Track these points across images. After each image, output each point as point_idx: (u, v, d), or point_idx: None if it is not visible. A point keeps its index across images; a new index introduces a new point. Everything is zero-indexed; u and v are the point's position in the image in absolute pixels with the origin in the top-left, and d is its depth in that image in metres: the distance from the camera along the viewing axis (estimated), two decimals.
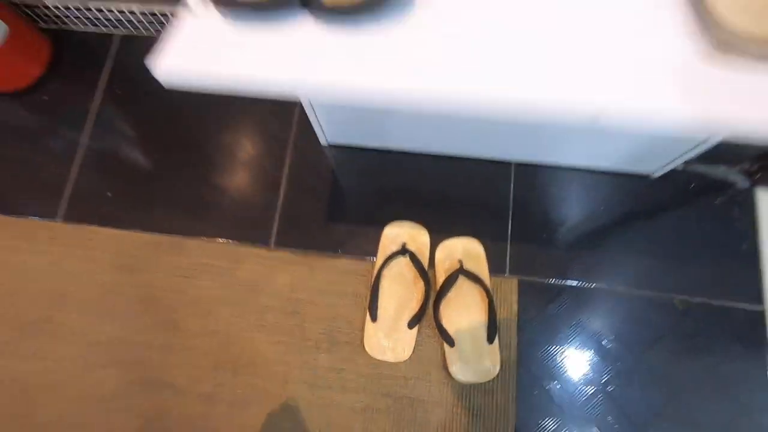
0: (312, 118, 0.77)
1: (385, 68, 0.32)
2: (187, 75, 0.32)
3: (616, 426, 0.73)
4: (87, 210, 0.87)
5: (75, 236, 0.86)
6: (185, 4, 0.34)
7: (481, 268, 0.79)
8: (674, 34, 0.31)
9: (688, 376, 0.74)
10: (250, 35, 0.33)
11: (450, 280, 0.77)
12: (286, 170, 0.88)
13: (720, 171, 0.84)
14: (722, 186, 0.84)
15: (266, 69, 0.32)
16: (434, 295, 0.78)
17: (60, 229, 0.87)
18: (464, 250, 0.80)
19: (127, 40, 0.98)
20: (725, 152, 0.80)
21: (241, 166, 0.89)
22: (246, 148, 0.90)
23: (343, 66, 0.32)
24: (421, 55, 0.32)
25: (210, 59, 0.33)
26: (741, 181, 0.83)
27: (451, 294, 0.77)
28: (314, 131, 0.85)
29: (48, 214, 0.87)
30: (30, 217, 0.87)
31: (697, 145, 0.69)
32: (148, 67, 0.33)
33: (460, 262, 0.79)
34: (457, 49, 0.32)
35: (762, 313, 0.78)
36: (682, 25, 0.32)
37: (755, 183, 0.83)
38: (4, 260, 0.85)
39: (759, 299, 0.79)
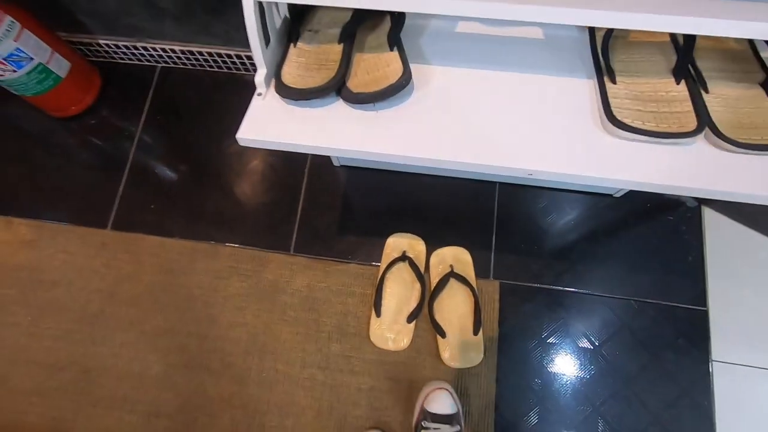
0: None
1: (392, 136, 0.47)
2: (257, 141, 0.47)
3: (579, 406, 0.88)
4: (133, 220, 1.02)
5: (123, 242, 1.01)
6: (257, 88, 0.49)
7: (469, 272, 0.94)
8: (584, 121, 0.46)
9: (639, 363, 0.89)
10: (299, 113, 0.48)
11: (442, 282, 0.92)
12: (303, 188, 1.03)
13: None
14: (674, 205, 0.99)
15: (310, 137, 0.47)
16: (429, 295, 0.93)
17: (110, 236, 1.01)
18: (454, 256, 0.95)
19: (166, 71, 1.13)
20: None
21: (265, 184, 1.04)
22: (270, 169, 1.05)
23: (359, 135, 0.47)
24: (412, 129, 0.47)
25: (272, 130, 0.48)
26: (690, 201, 0.98)
27: (443, 294, 0.92)
28: (328, 155, 1.00)
29: (100, 224, 1.02)
30: (84, 226, 1.02)
31: None
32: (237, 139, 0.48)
33: (451, 266, 0.94)
34: (438, 126, 0.47)
35: (705, 313, 0.93)
36: (592, 116, 0.47)
37: (702, 202, 0.98)
38: (63, 261, 1.00)
39: (703, 301, 0.93)
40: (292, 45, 0.51)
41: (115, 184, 1.05)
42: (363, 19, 0.50)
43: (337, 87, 0.47)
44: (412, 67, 0.48)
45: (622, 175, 0.43)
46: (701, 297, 0.93)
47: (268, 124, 0.47)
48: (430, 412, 0.80)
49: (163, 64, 1.13)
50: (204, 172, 1.05)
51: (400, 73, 0.46)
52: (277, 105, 0.49)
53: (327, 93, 0.46)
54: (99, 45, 1.08)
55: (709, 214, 0.98)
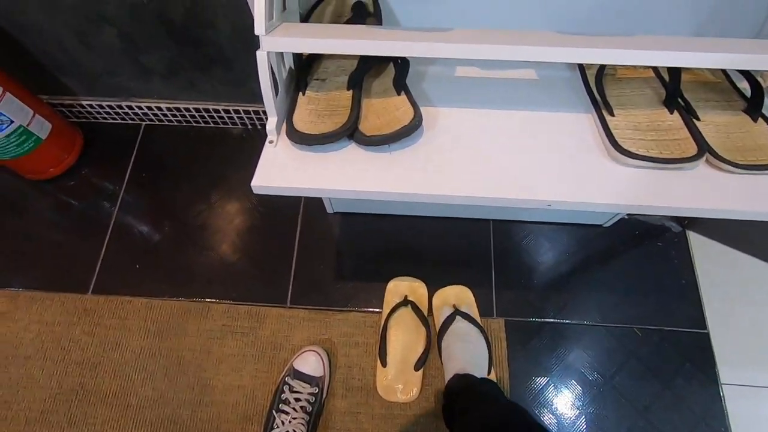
0: None
1: (408, 176, 0.48)
2: (272, 188, 0.46)
3: None
4: (117, 282, 0.97)
5: (107, 307, 0.94)
6: (268, 136, 0.49)
7: (473, 310, 0.92)
8: (589, 152, 0.49)
9: (650, 393, 0.88)
10: (312, 158, 0.48)
11: (448, 322, 0.89)
12: (297, 238, 1.01)
13: (656, 218, 1.03)
14: (661, 231, 1.03)
15: (326, 181, 0.46)
16: (435, 337, 0.90)
17: (92, 301, 0.95)
18: (457, 296, 0.94)
19: (150, 128, 1.12)
20: None
21: (257, 237, 1.01)
22: (261, 221, 1.03)
23: (376, 176, 0.47)
24: (429, 167, 0.48)
25: (284, 177, 0.47)
26: (674, 227, 1.02)
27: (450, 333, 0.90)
28: (320, 202, 0.99)
29: (80, 288, 0.96)
30: (63, 293, 0.96)
31: None
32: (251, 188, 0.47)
33: (455, 306, 0.92)
34: (453, 164, 0.48)
35: (707, 335, 0.94)
36: (596, 147, 0.49)
37: (685, 227, 1.02)
38: (39, 332, 0.92)
39: (702, 324, 0.95)
40: (300, 94, 0.52)
41: (97, 245, 1.00)
42: (369, 66, 0.52)
43: (351, 131, 0.47)
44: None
45: (635, 200, 0.44)
46: (700, 319, 0.95)
47: (282, 170, 0.47)
48: (295, 369, 0.84)
49: (148, 122, 1.12)
50: (192, 228, 1.02)
51: (411, 116, 0.48)
52: (289, 152, 0.48)
53: (341, 137, 0.47)
54: (82, 106, 1.06)
55: (694, 238, 1.02)
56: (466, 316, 0.90)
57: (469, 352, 0.82)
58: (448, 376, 0.80)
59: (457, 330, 0.86)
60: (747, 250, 0.99)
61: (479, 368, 0.81)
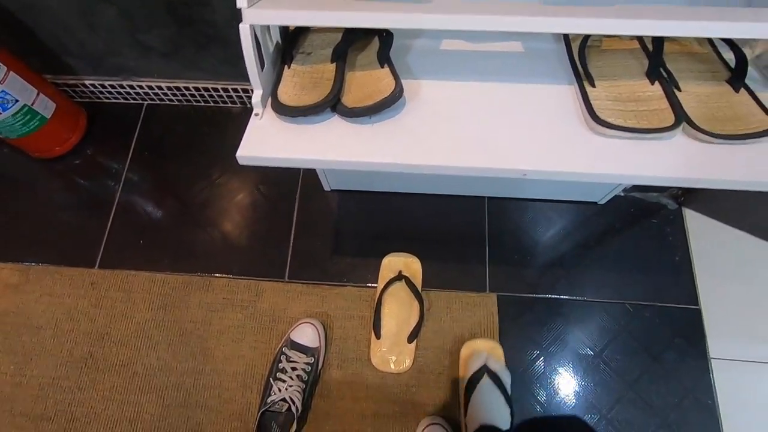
0: (319, 171, 0.93)
1: (389, 146, 0.49)
2: (257, 158, 0.48)
3: (586, 414, 0.87)
4: (122, 257, 1.00)
5: (113, 280, 0.98)
6: (254, 109, 0.50)
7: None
8: (569, 123, 0.49)
9: (640, 366, 0.90)
10: (296, 130, 0.50)
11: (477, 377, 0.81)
12: (295, 215, 1.03)
13: (653, 196, 1.03)
14: (656, 208, 1.03)
15: (309, 152, 0.48)
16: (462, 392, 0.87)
17: (99, 275, 0.99)
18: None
19: (152, 107, 1.14)
20: None
21: (256, 213, 1.04)
22: (260, 198, 1.05)
23: (357, 146, 0.49)
24: (408, 138, 0.49)
25: (269, 147, 0.49)
26: (670, 204, 1.02)
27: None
28: (318, 180, 1.01)
29: (87, 263, 1.00)
30: (72, 267, 0.99)
31: None
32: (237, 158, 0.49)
33: (486, 364, 0.84)
34: (433, 134, 0.49)
35: (698, 311, 0.94)
36: (576, 118, 0.50)
37: (682, 204, 1.02)
38: (49, 303, 0.96)
39: (695, 300, 0.95)
40: (286, 67, 0.53)
41: (103, 222, 1.04)
42: (353, 39, 0.53)
43: (333, 103, 0.49)
44: (402, 82, 0.51)
45: (610, 169, 0.45)
46: (693, 295, 0.95)
47: (267, 141, 0.49)
48: (292, 340, 0.87)
49: (149, 102, 1.14)
50: (193, 205, 1.05)
51: (392, 87, 0.49)
52: (274, 124, 0.50)
53: (323, 109, 0.48)
54: (85, 85, 1.09)
55: (689, 215, 1.02)
56: (494, 377, 0.83)
57: (495, 407, 0.80)
58: (473, 427, 0.79)
59: (486, 386, 0.82)
60: (742, 227, 0.99)
61: (504, 422, 0.79)
